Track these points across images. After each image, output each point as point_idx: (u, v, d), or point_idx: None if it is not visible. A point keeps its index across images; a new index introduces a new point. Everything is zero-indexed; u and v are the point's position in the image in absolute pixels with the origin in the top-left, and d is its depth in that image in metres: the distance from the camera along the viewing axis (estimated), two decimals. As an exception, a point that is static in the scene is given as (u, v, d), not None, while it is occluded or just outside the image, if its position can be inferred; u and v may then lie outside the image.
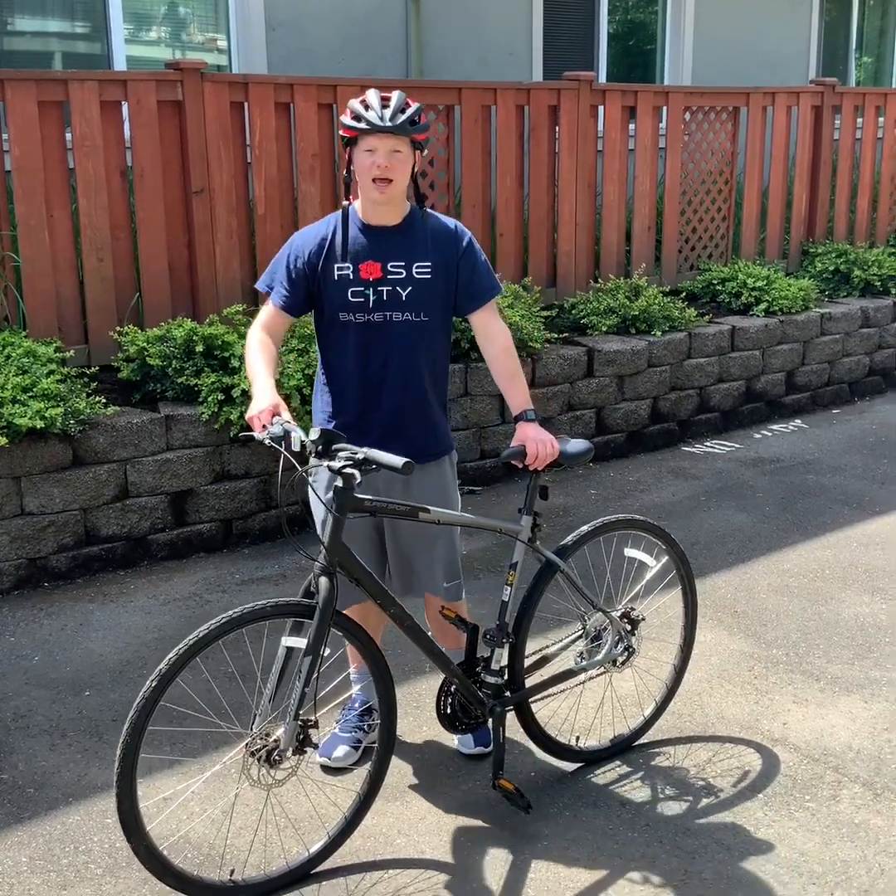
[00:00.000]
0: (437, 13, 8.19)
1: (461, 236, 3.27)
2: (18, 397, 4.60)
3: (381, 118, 3.02)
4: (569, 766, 3.50)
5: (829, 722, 3.77)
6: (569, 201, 7.09)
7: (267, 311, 3.30)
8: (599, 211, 7.38)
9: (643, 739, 3.64)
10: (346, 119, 3.09)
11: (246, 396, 4.99)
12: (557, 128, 6.98)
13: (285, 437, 2.82)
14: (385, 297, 3.17)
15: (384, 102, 3.05)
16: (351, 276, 3.17)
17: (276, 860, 3.02)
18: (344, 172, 3.21)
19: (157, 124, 5.47)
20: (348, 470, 2.77)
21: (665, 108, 7.57)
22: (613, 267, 7.42)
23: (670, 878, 3.00)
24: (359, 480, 2.79)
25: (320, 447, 2.83)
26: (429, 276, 3.19)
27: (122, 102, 5.40)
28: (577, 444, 3.28)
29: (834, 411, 7.79)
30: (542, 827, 3.21)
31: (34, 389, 4.65)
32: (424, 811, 3.29)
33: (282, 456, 2.79)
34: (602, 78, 9.37)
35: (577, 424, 6.47)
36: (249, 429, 2.98)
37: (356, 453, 2.79)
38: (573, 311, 6.94)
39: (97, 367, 5.28)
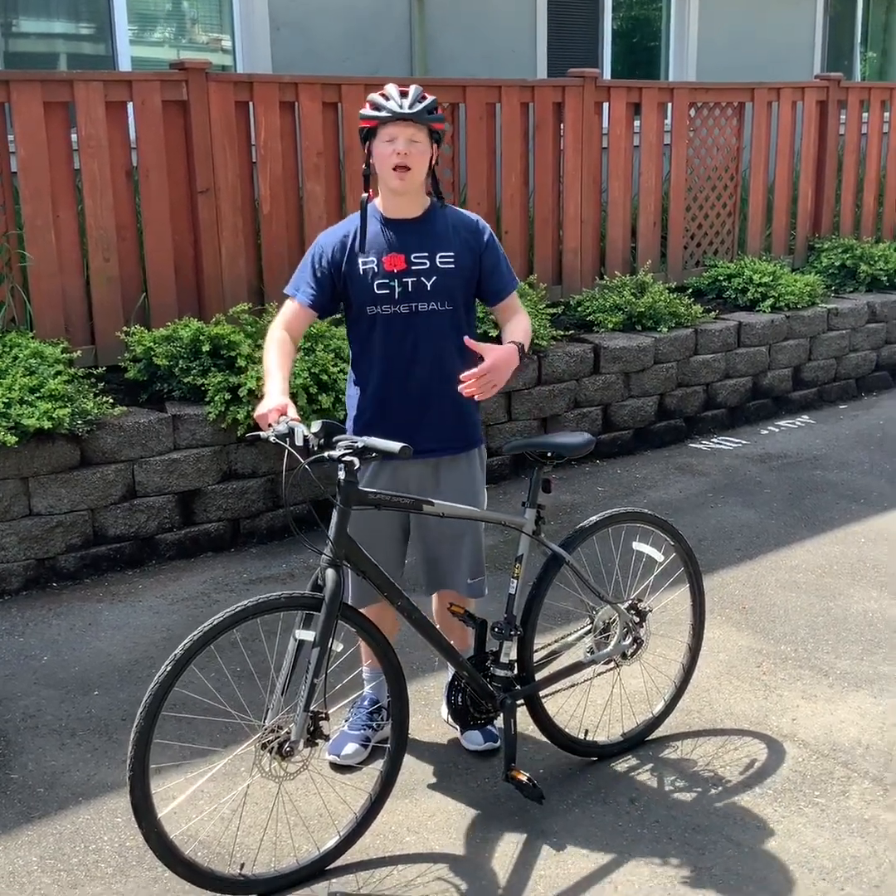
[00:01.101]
0: (442, 11, 8.19)
1: (483, 230, 3.34)
2: (26, 398, 4.61)
3: (400, 106, 3.10)
4: (578, 763, 3.50)
5: (838, 717, 3.77)
6: (574, 198, 7.09)
7: (288, 308, 3.32)
8: (605, 208, 7.37)
9: (653, 735, 3.64)
10: (366, 111, 3.16)
11: (252, 396, 5.00)
12: (562, 125, 6.97)
13: (290, 433, 2.87)
14: (411, 288, 3.21)
15: (403, 93, 3.14)
16: (375, 269, 3.21)
17: (286, 858, 3.03)
18: (363, 166, 3.26)
19: (162, 124, 5.47)
20: (348, 457, 2.82)
21: (670, 105, 7.56)
22: (619, 264, 7.42)
23: (681, 875, 3.00)
24: (358, 466, 2.83)
25: (322, 439, 2.87)
26: (452, 266, 3.24)
27: (128, 103, 5.41)
28: (576, 436, 3.30)
29: (841, 407, 7.78)
30: (552, 823, 3.21)
31: (41, 390, 4.66)
32: (434, 808, 3.29)
33: (286, 452, 2.83)
34: (606, 75, 9.37)
35: (583, 421, 6.47)
36: (258, 427, 3.01)
37: (356, 442, 2.85)
38: (579, 309, 6.94)
39: (104, 368, 5.28)
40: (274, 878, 2.93)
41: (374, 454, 2.87)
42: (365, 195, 3.26)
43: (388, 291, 3.21)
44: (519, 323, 3.37)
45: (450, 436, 3.32)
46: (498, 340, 3.36)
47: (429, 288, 3.22)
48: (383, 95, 3.14)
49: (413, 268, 3.21)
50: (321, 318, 3.38)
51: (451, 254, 3.24)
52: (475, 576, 3.45)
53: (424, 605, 3.42)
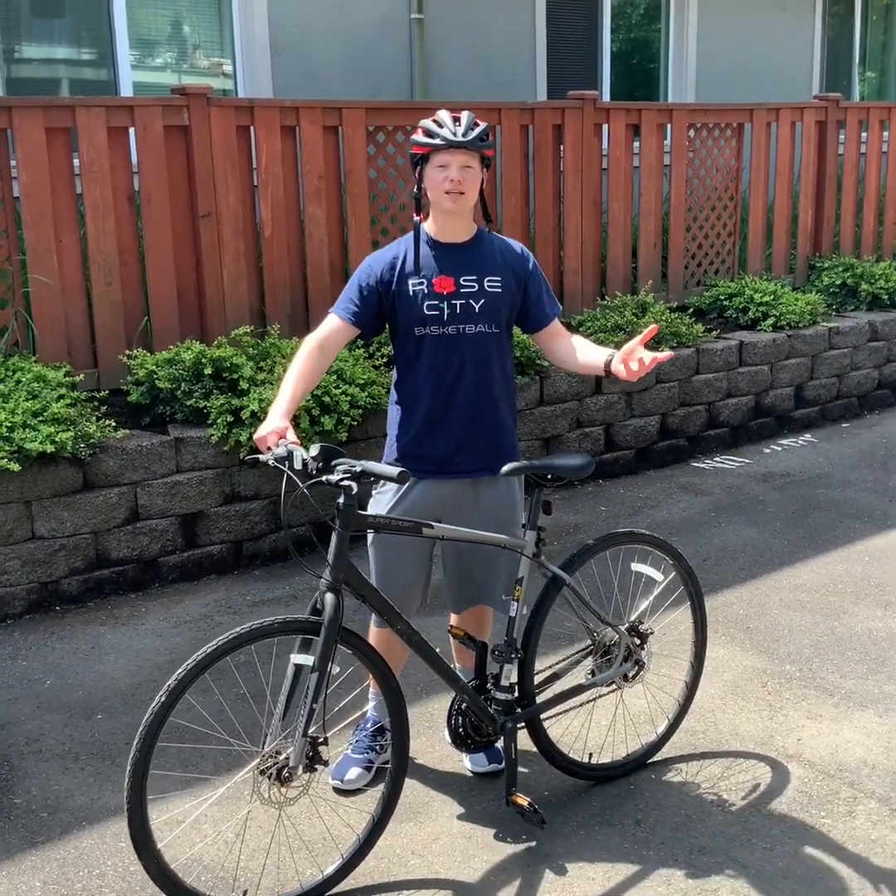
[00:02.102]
0: (441, 34, 8.25)
1: (527, 258, 3.40)
2: (29, 422, 4.62)
3: (455, 134, 3.15)
4: (583, 784, 3.49)
5: (843, 737, 3.75)
6: (574, 219, 7.12)
7: (327, 322, 3.33)
8: (605, 228, 7.39)
9: (657, 756, 3.62)
10: (419, 137, 3.20)
11: (255, 418, 5.00)
12: (562, 146, 7.00)
13: (289, 457, 2.88)
14: (459, 310, 3.25)
15: (456, 120, 3.18)
16: (425, 291, 3.24)
17: (290, 882, 3.01)
18: (414, 190, 3.30)
19: (163, 149, 5.50)
20: (345, 482, 2.82)
21: (669, 126, 7.59)
22: (620, 284, 7.43)
23: (686, 897, 2.98)
24: (354, 491, 2.84)
25: (321, 463, 2.88)
26: (499, 290, 3.29)
27: (129, 128, 5.44)
28: (576, 458, 3.31)
29: (843, 425, 7.78)
30: (557, 846, 3.20)
31: (44, 414, 4.67)
32: (438, 831, 3.28)
33: (284, 476, 2.83)
34: (606, 96, 9.42)
35: (585, 441, 6.47)
36: (258, 450, 3.03)
37: (354, 466, 2.86)
38: (580, 329, 6.94)
39: (107, 391, 5.30)
40: (278, 903, 2.92)
41: (372, 478, 2.88)
42: (417, 218, 3.29)
43: (437, 312, 3.24)
44: (583, 343, 3.44)
45: (490, 457, 3.32)
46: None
47: (477, 310, 3.26)
48: (436, 122, 3.18)
49: (462, 290, 3.25)
50: (364, 337, 3.41)
51: (499, 278, 3.29)
52: (509, 592, 3.42)
53: (427, 629, 3.41)
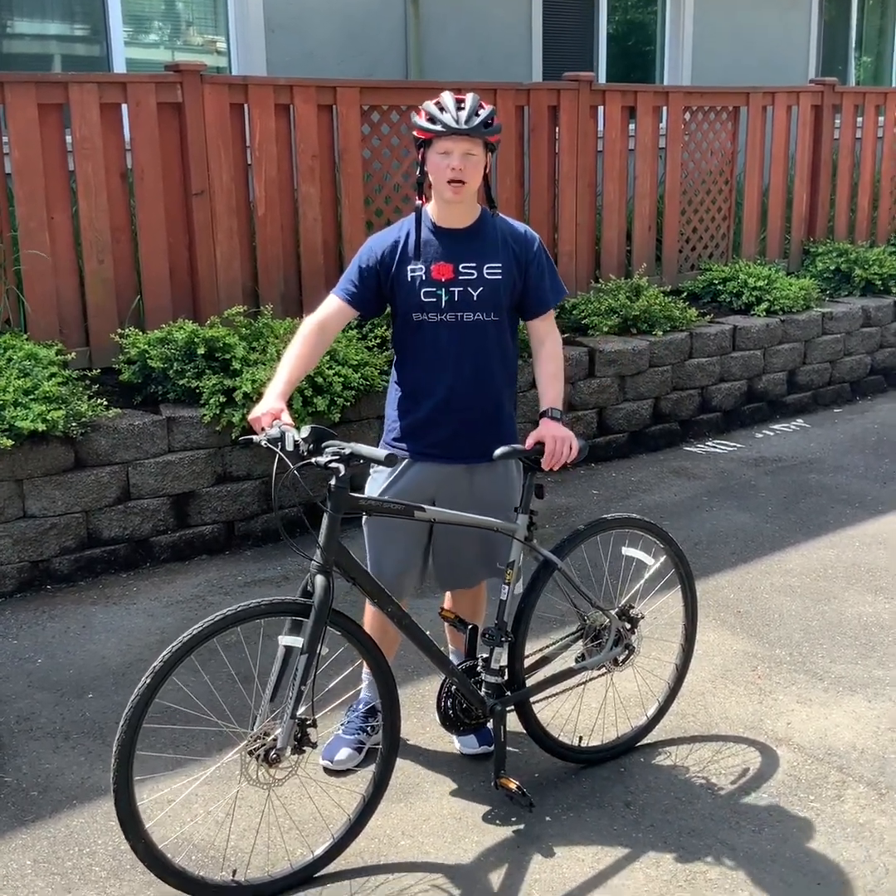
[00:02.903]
0: (437, 14, 8.19)
1: (531, 240, 3.33)
2: (20, 400, 4.60)
3: (457, 120, 3.07)
4: (572, 767, 3.50)
5: (832, 721, 3.77)
6: (569, 201, 7.09)
7: (327, 303, 3.31)
8: (600, 211, 7.38)
9: (647, 739, 3.63)
10: (421, 120, 3.13)
11: (247, 399, 4.99)
12: (557, 128, 6.98)
13: (281, 438, 2.88)
14: (457, 298, 3.22)
15: (459, 104, 3.10)
16: (423, 277, 3.21)
17: (280, 862, 3.02)
18: (417, 173, 3.25)
19: (156, 126, 5.46)
20: (334, 464, 2.82)
21: (665, 108, 7.57)
22: (614, 267, 7.42)
23: (675, 879, 2.99)
24: (343, 473, 2.83)
25: (312, 444, 2.87)
26: (499, 277, 3.24)
27: (122, 105, 5.40)
28: None
29: (836, 411, 7.79)
30: (547, 827, 3.21)
31: (36, 392, 4.65)
32: (429, 812, 3.29)
33: (276, 456, 2.83)
34: (602, 78, 9.37)
35: (578, 425, 6.47)
36: (252, 430, 3.03)
37: (343, 448, 2.85)
38: (574, 312, 6.93)
39: (98, 370, 5.27)
40: (268, 883, 2.92)
41: (360, 460, 2.87)
42: (419, 202, 3.25)
43: (434, 300, 3.22)
44: (549, 374, 3.32)
45: (487, 444, 3.28)
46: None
47: (475, 298, 3.22)
48: (439, 106, 3.10)
49: (460, 277, 3.21)
50: (363, 317, 3.39)
51: (499, 265, 3.24)
52: (503, 562, 3.38)
53: (419, 611, 3.41)
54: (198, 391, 5.13)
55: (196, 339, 5.20)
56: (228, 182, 5.73)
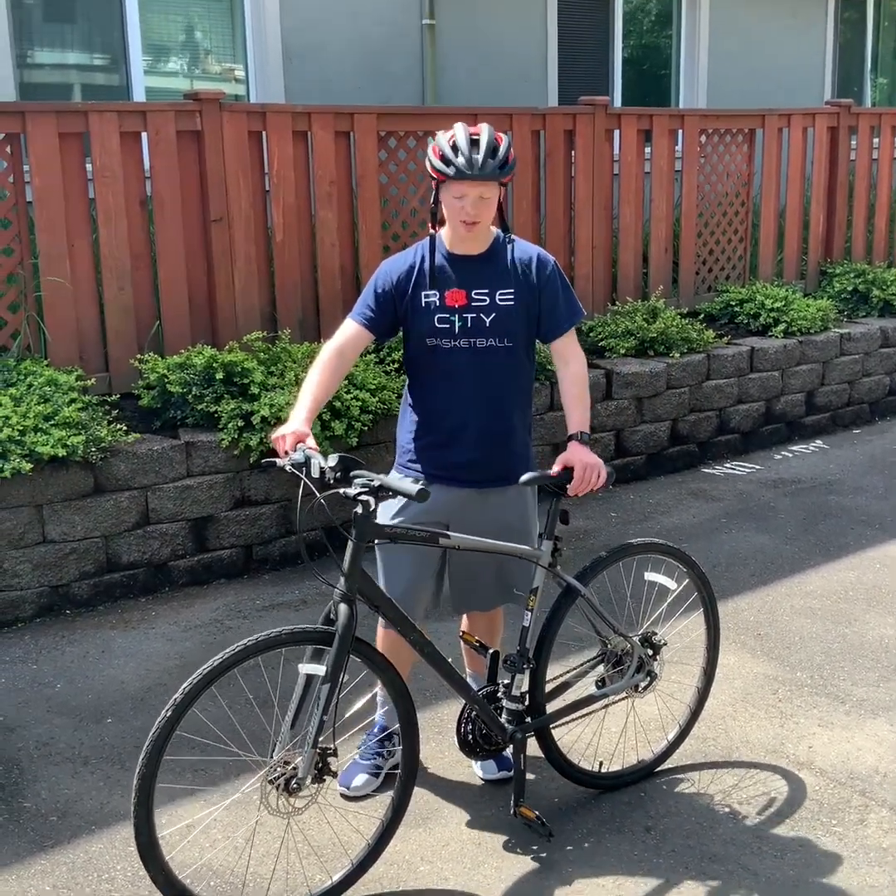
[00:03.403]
0: (452, 40, 8.26)
1: (545, 263, 3.30)
2: (40, 426, 4.63)
3: (470, 164, 3.02)
4: (593, 792, 3.47)
5: (855, 745, 3.73)
6: (585, 224, 7.11)
7: (345, 327, 3.31)
8: (616, 233, 7.39)
9: (667, 764, 3.61)
10: (435, 161, 3.08)
11: (265, 423, 5.01)
12: (573, 152, 7.00)
13: (306, 463, 2.84)
14: (470, 324, 3.22)
15: (473, 144, 3.04)
16: (437, 303, 3.22)
17: (299, 888, 3.01)
18: (431, 202, 3.23)
19: (176, 154, 5.51)
20: (363, 497, 2.78)
21: (680, 131, 7.59)
22: (631, 289, 7.43)
23: (696, 905, 2.97)
24: (373, 507, 2.80)
25: (338, 473, 2.84)
26: (512, 303, 3.24)
27: (142, 133, 5.45)
28: None
29: (855, 431, 7.76)
30: (567, 853, 3.19)
31: (56, 418, 4.68)
32: (448, 838, 3.27)
33: (301, 483, 2.81)
34: (617, 102, 9.42)
35: (596, 447, 6.45)
36: (274, 452, 3.00)
37: (372, 480, 2.81)
38: (591, 334, 6.94)
39: (118, 395, 5.31)
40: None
41: (390, 493, 2.83)
42: (433, 231, 3.25)
43: (448, 326, 3.22)
44: (574, 396, 3.31)
45: (501, 470, 3.29)
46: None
47: (488, 324, 3.23)
48: (453, 146, 3.04)
49: (473, 304, 3.22)
50: (378, 341, 3.40)
51: (512, 291, 3.24)
52: (523, 589, 3.38)
53: (437, 635, 3.40)
54: (216, 416, 5.15)
55: (215, 364, 5.23)
56: (247, 208, 5.77)
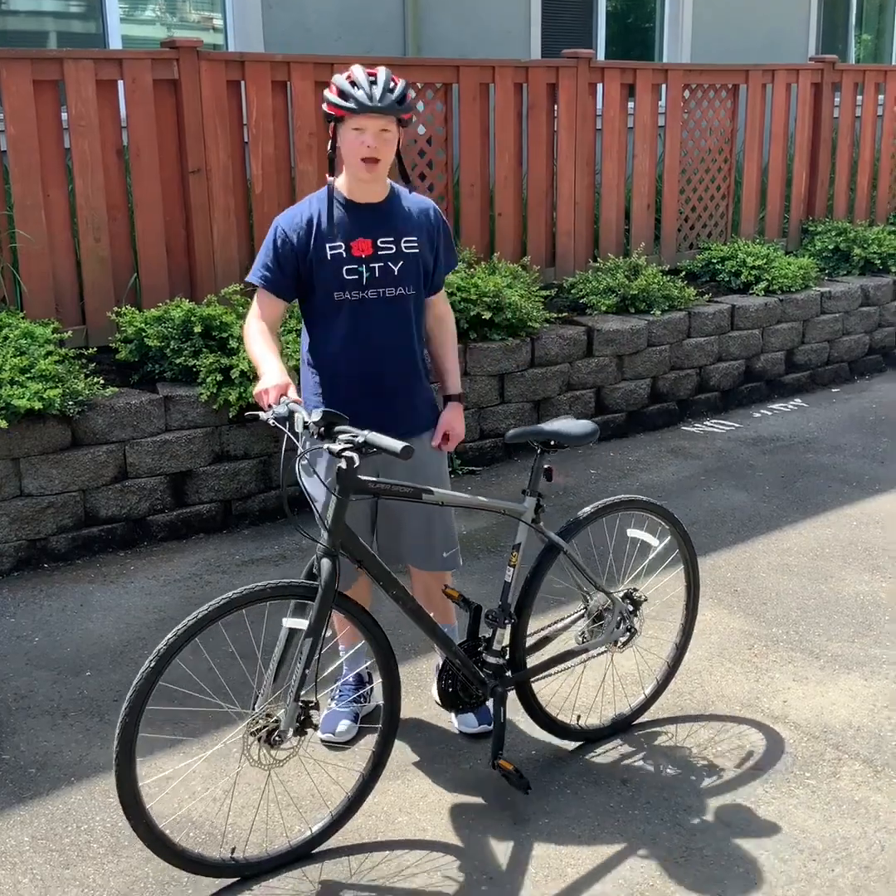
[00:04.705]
0: (435, -9, 8.14)
1: (438, 212, 3.34)
2: (16, 379, 4.58)
3: (370, 97, 2.98)
4: (569, 745, 3.51)
5: (829, 699, 3.78)
6: (568, 180, 7.06)
7: (260, 299, 3.25)
8: (598, 189, 7.35)
9: (644, 717, 3.64)
10: (333, 96, 3.05)
11: (244, 377, 4.98)
12: (556, 106, 6.94)
13: (290, 417, 2.81)
14: (378, 274, 3.18)
15: (372, 79, 3.01)
16: (343, 255, 3.16)
17: (278, 839, 3.03)
18: (328, 149, 3.17)
19: (153, 103, 5.43)
20: (348, 453, 2.76)
21: (664, 86, 7.53)
22: (613, 246, 7.40)
23: (671, 856, 3.00)
24: (357, 463, 2.79)
25: (322, 428, 2.81)
26: (417, 251, 3.23)
27: (118, 81, 5.37)
28: (581, 425, 3.27)
29: (833, 390, 7.78)
30: (544, 805, 3.22)
31: (32, 371, 4.64)
32: (426, 790, 3.30)
33: (284, 436, 2.78)
34: (601, 56, 9.32)
35: (576, 404, 6.46)
36: (256, 405, 2.97)
37: (356, 436, 2.77)
38: (572, 291, 6.92)
39: (95, 349, 5.26)
40: (266, 860, 2.93)
41: (374, 450, 2.78)
42: (330, 179, 3.20)
43: (356, 277, 3.17)
44: (448, 352, 3.44)
45: (416, 417, 3.32)
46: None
47: (396, 273, 3.20)
48: (351, 81, 3.01)
49: (380, 252, 3.18)
50: (289, 301, 3.31)
51: (415, 238, 3.22)
52: (449, 548, 3.44)
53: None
54: (195, 370, 5.11)
55: (193, 318, 5.18)
56: (225, 159, 5.70)
